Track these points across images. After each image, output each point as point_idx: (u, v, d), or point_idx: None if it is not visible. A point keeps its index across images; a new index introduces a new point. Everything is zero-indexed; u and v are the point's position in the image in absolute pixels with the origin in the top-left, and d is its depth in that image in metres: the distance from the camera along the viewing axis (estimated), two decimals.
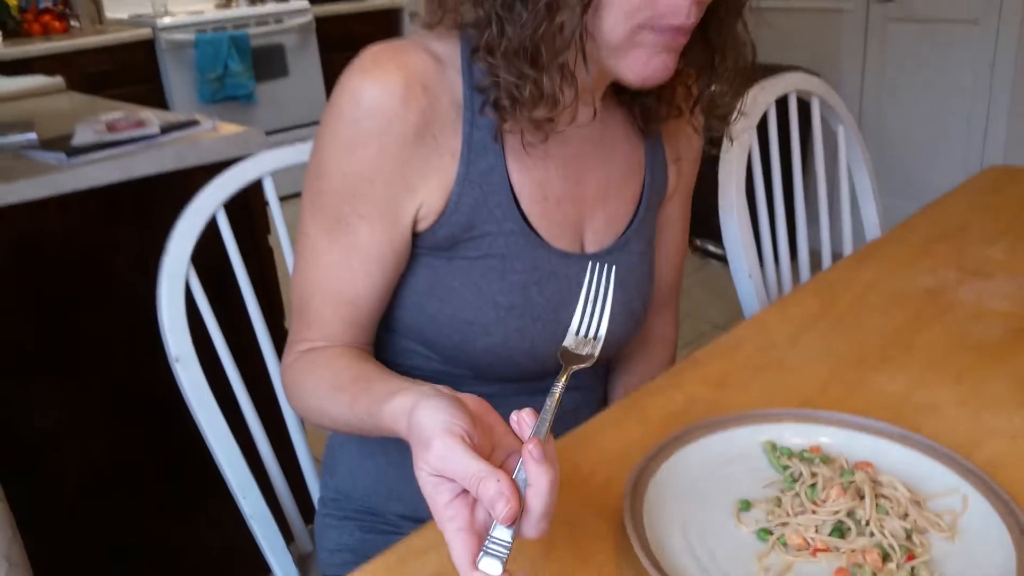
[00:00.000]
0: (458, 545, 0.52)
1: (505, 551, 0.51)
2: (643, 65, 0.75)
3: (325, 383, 0.77)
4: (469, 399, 0.58)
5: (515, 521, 0.51)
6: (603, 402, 1.05)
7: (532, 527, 0.52)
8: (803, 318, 1.02)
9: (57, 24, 3.91)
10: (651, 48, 0.74)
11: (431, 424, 0.54)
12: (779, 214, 1.37)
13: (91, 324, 1.49)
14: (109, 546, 1.61)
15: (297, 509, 1.11)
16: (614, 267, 0.72)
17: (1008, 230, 1.24)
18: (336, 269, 0.81)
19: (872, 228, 1.49)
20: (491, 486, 0.50)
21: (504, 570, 0.51)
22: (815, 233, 1.49)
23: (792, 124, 1.38)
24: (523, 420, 0.55)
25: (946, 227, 1.27)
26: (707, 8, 0.76)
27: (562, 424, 0.92)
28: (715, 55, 0.82)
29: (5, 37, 3.68)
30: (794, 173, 1.41)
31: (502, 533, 0.51)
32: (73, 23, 4.01)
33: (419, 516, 0.88)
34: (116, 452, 1.58)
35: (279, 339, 1.12)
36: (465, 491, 0.53)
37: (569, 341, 0.66)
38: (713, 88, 0.85)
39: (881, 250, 1.21)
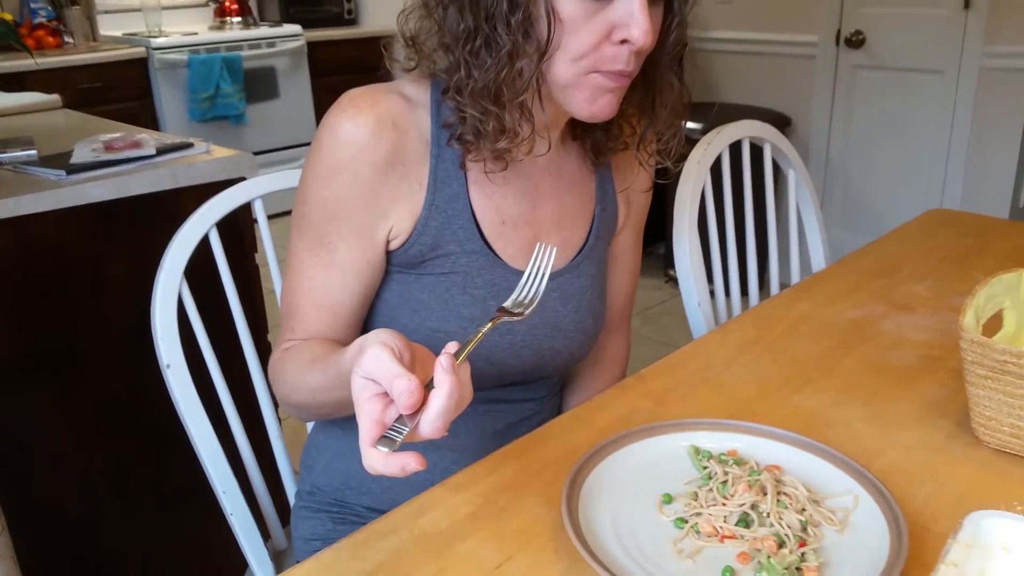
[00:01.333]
0: (365, 430, 0.63)
1: (399, 436, 0.62)
2: (590, 103, 0.87)
3: (303, 362, 0.88)
4: (417, 346, 0.69)
5: (414, 415, 0.62)
6: (558, 413, 1.16)
7: (428, 424, 0.62)
8: (740, 343, 1.13)
9: (51, 40, 3.99)
10: (597, 89, 0.86)
11: (372, 338, 0.66)
12: (731, 248, 1.49)
13: (84, 332, 1.57)
14: (97, 546, 1.68)
15: (274, 508, 1.20)
16: (554, 249, 0.83)
17: (936, 269, 1.36)
18: (318, 281, 0.92)
19: (818, 263, 1.61)
20: (402, 383, 0.62)
21: (393, 451, 0.62)
22: (765, 267, 1.61)
23: (744, 166, 1.50)
24: (449, 345, 0.66)
25: (881, 265, 1.39)
26: (647, 56, 0.88)
27: (519, 429, 1.03)
28: (655, 98, 0.94)
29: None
30: (746, 211, 1.52)
31: (401, 423, 0.63)
32: (67, 39, 4.09)
33: (383, 508, 0.97)
34: (106, 456, 1.66)
35: (262, 350, 1.22)
36: (385, 394, 0.64)
37: (508, 303, 0.78)
38: (653, 126, 0.96)
39: (818, 284, 1.32)
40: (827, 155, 3.45)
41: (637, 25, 0.81)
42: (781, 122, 3.40)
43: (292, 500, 1.17)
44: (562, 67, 0.84)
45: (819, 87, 3.39)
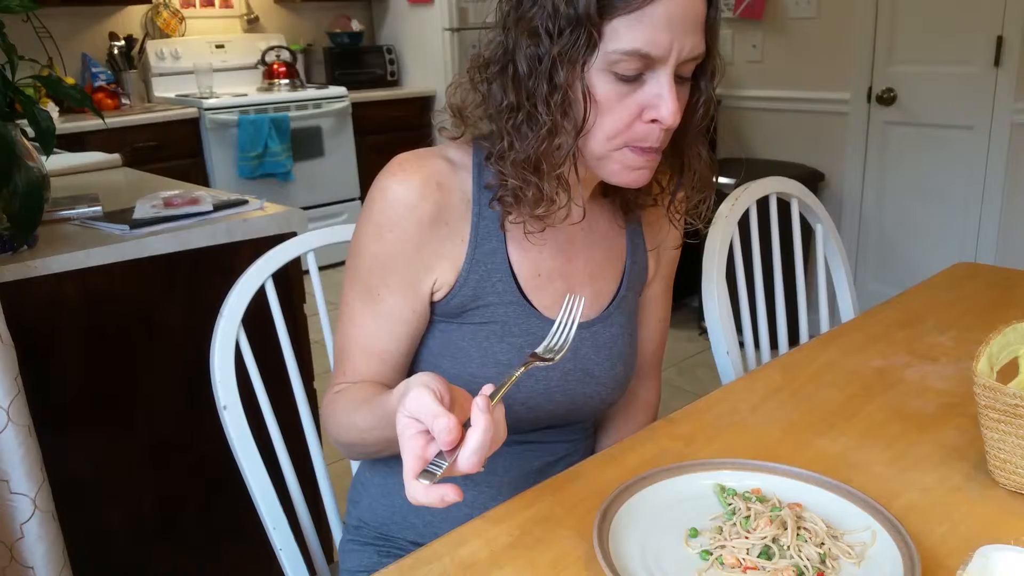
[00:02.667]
0: (409, 464, 0.69)
1: (439, 470, 0.68)
2: (624, 173, 0.94)
3: (353, 403, 0.95)
4: (457, 388, 0.75)
5: (453, 451, 0.68)
6: (591, 455, 1.21)
7: (465, 459, 0.68)
8: (766, 389, 1.18)
9: (109, 102, 4.19)
10: (629, 162, 0.93)
11: (415, 381, 0.72)
12: (760, 300, 1.54)
13: (141, 376, 1.66)
14: None
15: (320, 546, 1.25)
16: (583, 299, 0.89)
17: (959, 321, 1.40)
18: (368, 329, 1.00)
19: (847, 314, 1.65)
20: (442, 421, 0.67)
21: (433, 483, 0.67)
22: (795, 319, 1.65)
23: (772, 221, 1.55)
24: (485, 387, 0.72)
25: (906, 316, 1.43)
26: (680, 126, 0.95)
27: (554, 468, 1.08)
28: (683, 163, 1.01)
29: (62, 113, 3.96)
30: (775, 265, 1.58)
31: (440, 458, 0.69)
32: (124, 101, 4.30)
33: (425, 542, 1.02)
34: (156, 495, 1.73)
35: (309, 395, 1.28)
36: (426, 432, 0.69)
37: (540, 348, 0.84)
38: (682, 188, 1.03)
39: (844, 334, 1.36)
40: (861, 210, 3.49)
41: (666, 106, 0.88)
42: (815, 178, 3.46)
43: (336, 538, 1.22)
44: (597, 143, 0.92)
45: (852, 143, 3.44)
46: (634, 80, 0.89)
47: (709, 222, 1.09)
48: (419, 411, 0.69)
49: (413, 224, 0.96)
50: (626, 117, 0.90)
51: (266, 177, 4.35)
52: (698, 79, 0.94)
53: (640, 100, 0.89)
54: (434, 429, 0.68)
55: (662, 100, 0.88)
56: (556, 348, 0.84)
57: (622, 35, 0.86)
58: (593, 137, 0.91)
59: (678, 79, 0.90)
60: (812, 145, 3.55)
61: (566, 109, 0.89)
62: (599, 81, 0.88)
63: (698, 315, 3.64)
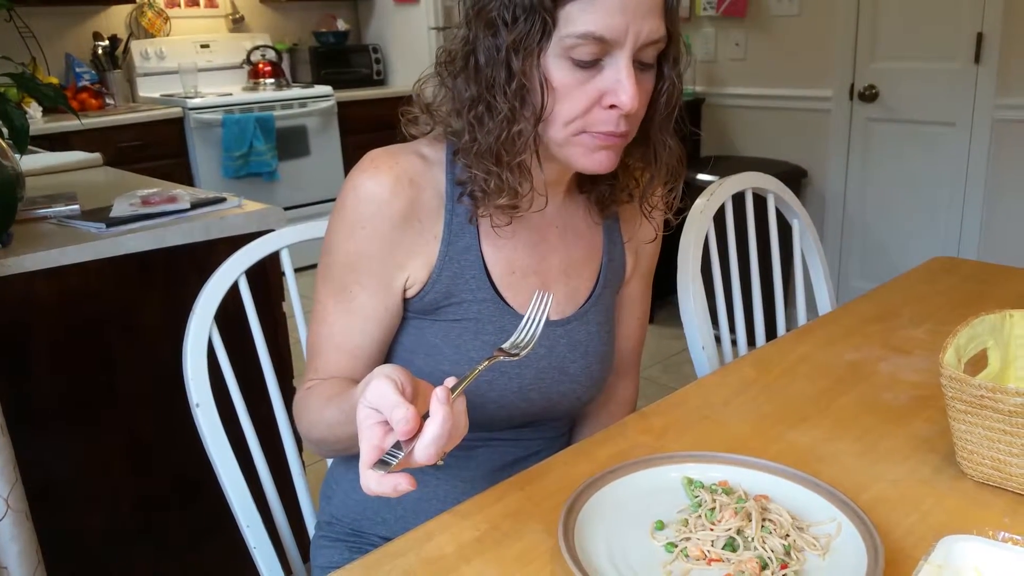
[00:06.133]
0: (365, 454, 0.69)
1: (394, 460, 0.68)
2: (585, 157, 0.93)
3: (322, 399, 0.95)
4: (422, 381, 0.75)
5: (409, 441, 0.68)
6: None
7: (422, 450, 0.68)
8: (739, 383, 1.18)
9: (94, 102, 4.17)
10: (588, 147, 0.92)
11: (377, 372, 0.72)
12: (736, 295, 1.54)
13: (118, 376, 1.65)
14: None
15: (295, 544, 1.25)
16: (551, 296, 0.89)
17: (934, 314, 1.40)
18: (339, 326, 0.99)
19: (825, 309, 1.65)
20: (400, 411, 0.68)
21: (387, 472, 0.67)
22: (772, 313, 1.65)
23: (748, 216, 1.56)
24: (447, 380, 0.72)
25: (882, 310, 1.43)
26: (645, 116, 0.95)
27: (526, 464, 1.08)
28: (652, 153, 1.00)
29: (45, 113, 3.94)
30: (751, 259, 1.58)
31: (398, 449, 0.69)
32: (108, 101, 4.29)
33: (397, 537, 1.02)
34: (135, 496, 1.72)
35: (287, 394, 1.28)
36: (386, 423, 0.69)
37: (506, 344, 0.84)
38: (654, 180, 1.03)
39: (819, 328, 1.37)
40: (844, 207, 3.50)
41: (624, 91, 0.88)
42: (798, 175, 3.47)
43: (312, 535, 1.22)
44: (555, 129, 0.92)
45: (834, 140, 3.45)
46: (592, 66, 0.88)
47: (679, 212, 1.09)
48: (378, 401, 0.69)
49: (385, 221, 0.96)
50: (584, 103, 0.90)
51: (251, 176, 4.34)
52: (662, 66, 0.94)
53: (599, 86, 0.89)
54: (392, 419, 0.68)
55: (620, 85, 0.88)
56: (522, 344, 0.84)
57: (576, 19, 0.86)
58: (552, 124, 0.91)
59: (641, 65, 0.90)
60: (795, 142, 3.56)
61: (524, 97, 0.89)
62: (556, 67, 0.88)
63: None
